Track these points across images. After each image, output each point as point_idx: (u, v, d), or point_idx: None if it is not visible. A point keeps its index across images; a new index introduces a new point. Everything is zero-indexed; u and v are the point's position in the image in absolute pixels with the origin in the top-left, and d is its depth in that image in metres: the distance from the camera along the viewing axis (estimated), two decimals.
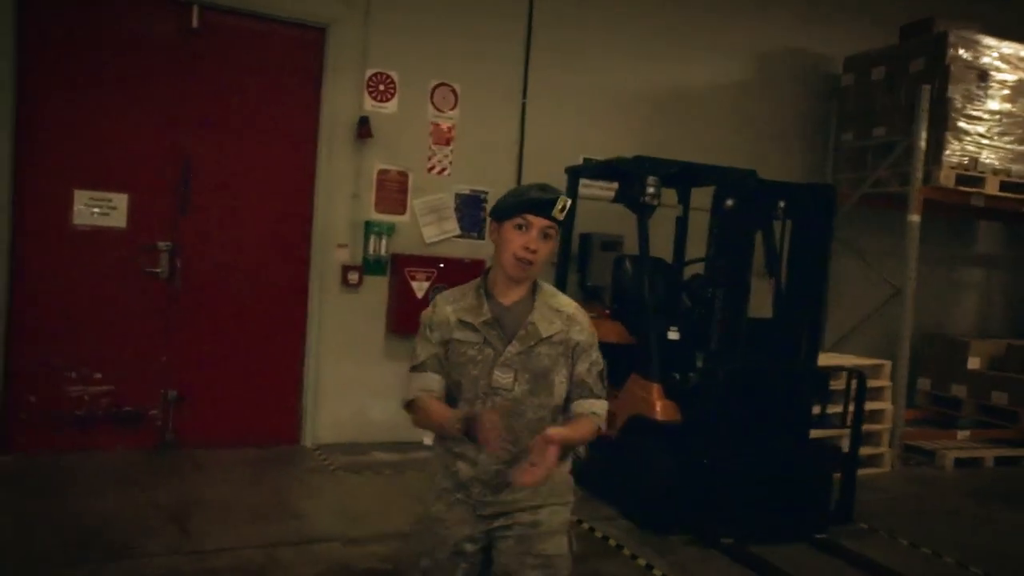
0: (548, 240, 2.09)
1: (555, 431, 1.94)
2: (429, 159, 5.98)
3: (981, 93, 6.29)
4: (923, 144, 6.13)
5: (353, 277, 5.77)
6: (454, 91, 6.02)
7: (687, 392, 4.48)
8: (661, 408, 4.51)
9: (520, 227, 2.07)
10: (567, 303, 2.22)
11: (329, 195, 5.72)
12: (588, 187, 6.08)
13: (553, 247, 2.14)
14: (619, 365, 4.70)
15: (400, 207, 5.92)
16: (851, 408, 4.54)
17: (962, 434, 6.77)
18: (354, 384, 5.86)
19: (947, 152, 6.17)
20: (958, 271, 8.32)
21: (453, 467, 2.19)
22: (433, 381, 2.14)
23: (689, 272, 5.44)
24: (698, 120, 6.75)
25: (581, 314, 2.22)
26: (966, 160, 6.25)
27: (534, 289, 2.19)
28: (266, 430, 5.63)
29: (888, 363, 6.29)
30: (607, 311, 5.42)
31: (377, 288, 5.89)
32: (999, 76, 6.36)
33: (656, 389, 4.54)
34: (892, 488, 5.71)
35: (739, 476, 4.24)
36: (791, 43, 7.19)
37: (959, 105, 6.20)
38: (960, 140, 6.22)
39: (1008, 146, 6.41)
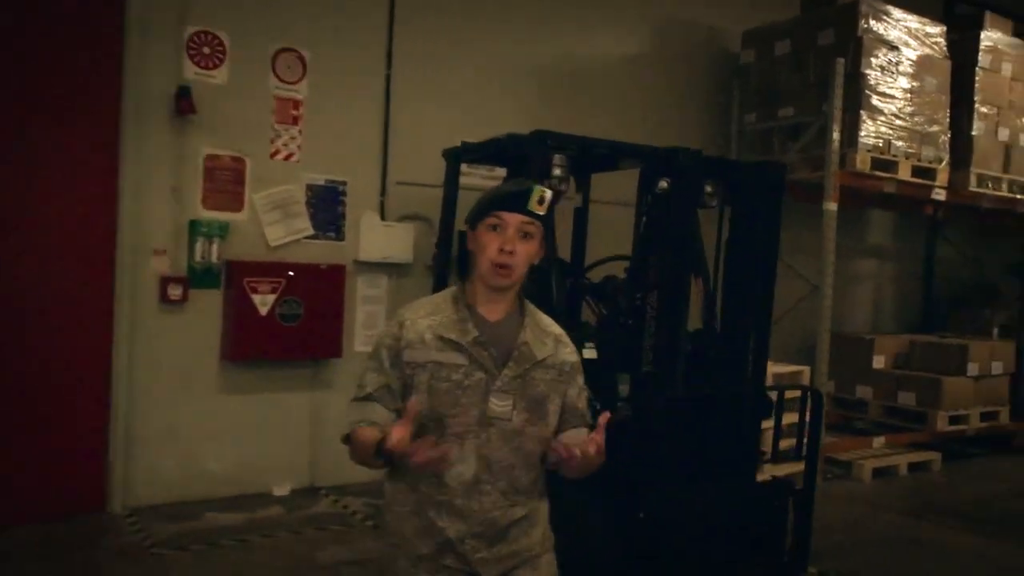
0: (529, 240, 1.83)
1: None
2: (272, 142, 4.79)
3: (893, 69, 5.75)
4: (838, 124, 5.51)
5: (175, 292, 4.51)
6: (302, 58, 4.86)
7: (612, 427, 3.56)
8: None
9: (494, 227, 1.83)
10: (551, 323, 1.99)
11: (139, 188, 4.44)
12: (468, 175, 5.05)
13: (535, 248, 1.85)
14: None
15: (236, 202, 4.70)
16: (778, 428, 3.77)
17: (877, 441, 6.25)
18: (180, 428, 4.61)
19: (862, 133, 5.58)
20: (851, 264, 7.89)
21: (435, 524, 1.83)
22: (377, 413, 1.83)
23: (597, 275, 4.54)
24: (588, 100, 5.88)
25: (565, 335, 1.99)
26: (881, 143, 5.69)
27: (521, 306, 1.93)
28: (60, 498, 4.26)
29: (806, 369, 5.67)
30: None
31: (208, 305, 4.65)
32: (906, 51, 5.85)
33: None
34: (822, 512, 5.02)
35: (681, 530, 3.37)
36: (685, 15, 6.46)
37: (873, 82, 5.63)
38: (875, 120, 5.65)
39: (918, 128, 5.91)
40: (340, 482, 4.98)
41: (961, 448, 6.82)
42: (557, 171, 3.68)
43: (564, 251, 4.73)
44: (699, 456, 3.57)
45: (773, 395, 3.72)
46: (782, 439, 3.72)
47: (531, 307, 1.94)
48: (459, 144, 4.72)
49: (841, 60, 5.50)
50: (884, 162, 5.73)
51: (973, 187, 6.34)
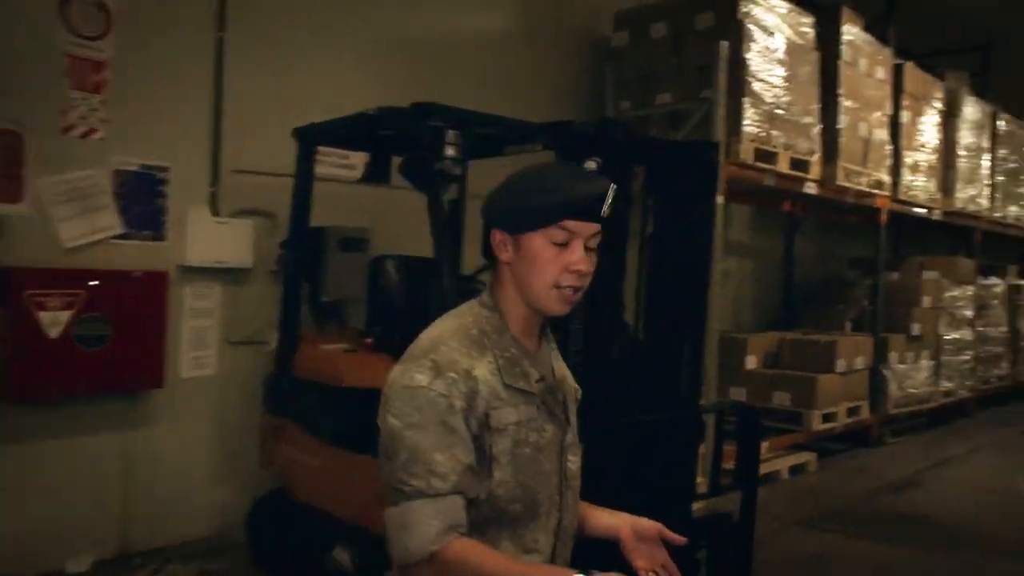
0: (593, 253, 1.40)
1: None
2: (65, 113, 3.72)
3: (771, 56, 5.47)
4: (723, 112, 5.14)
5: None
6: (104, 7, 3.81)
7: None
8: None
9: (558, 241, 1.36)
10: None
11: None
12: (318, 164, 4.21)
13: (596, 264, 1.40)
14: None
15: (11, 190, 3.59)
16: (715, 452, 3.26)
17: (763, 445, 5.98)
18: None
19: (745, 122, 5.25)
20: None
21: None
22: (461, 509, 1.29)
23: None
24: (451, 80, 5.14)
25: None
26: (763, 132, 5.39)
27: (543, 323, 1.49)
28: None
29: None
30: (366, 339, 3.67)
31: None
32: (781, 39, 5.60)
33: None
34: None
35: None
36: None
37: (754, 68, 5.31)
38: (757, 109, 5.34)
39: (794, 118, 5.68)
40: (161, 542, 4.00)
41: (829, 445, 6.73)
42: (451, 151, 2.97)
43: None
44: (630, 493, 2.97)
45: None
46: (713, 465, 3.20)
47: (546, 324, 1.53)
48: (313, 123, 3.87)
49: (725, 44, 5.13)
50: (765, 153, 5.44)
51: (841, 181, 6.24)
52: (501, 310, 1.42)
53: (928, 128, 7.62)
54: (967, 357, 8.58)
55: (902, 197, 7.19)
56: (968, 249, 8.91)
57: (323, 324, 4.41)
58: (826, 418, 6.46)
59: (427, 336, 1.40)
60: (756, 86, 5.32)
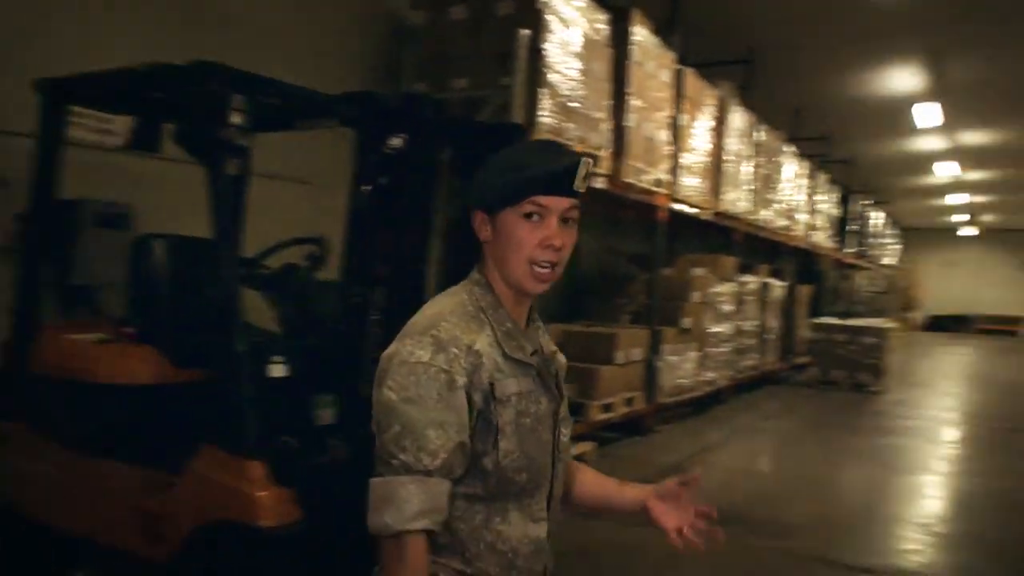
0: (571, 227, 1.41)
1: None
2: None
3: (568, 48, 5.48)
4: (522, 101, 5.07)
5: None
6: None
7: (313, 471, 2.63)
8: (268, 502, 2.55)
9: (531, 216, 1.37)
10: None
11: None
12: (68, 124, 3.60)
13: (575, 236, 1.41)
14: (165, 427, 2.82)
15: None
16: None
17: None
18: None
19: (542, 113, 5.22)
20: None
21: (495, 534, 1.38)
22: (445, 495, 1.31)
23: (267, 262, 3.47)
24: (230, 41, 4.66)
25: None
26: (558, 124, 5.39)
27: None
28: None
29: None
30: (127, 330, 3.19)
31: None
32: (577, 32, 5.63)
33: (255, 470, 2.57)
34: None
35: None
36: None
37: (551, 59, 5.29)
38: (553, 100, 5.33)
39: (587, 112, 5.74)
40: None
41: (605, 435, 6.96)
42: (237, 119, 2.60)
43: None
44: None
45: None
46: None
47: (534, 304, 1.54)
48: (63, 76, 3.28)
49: (526, 32, 5.06)
50: None
51: (628, 178, 6.43)
52: (494, 292, 1.44)
53: (702, 133, 8.10)
54: (726, 349, 9.27)
55: (679, 196, 7.58)
56: (730, 248, 9.63)
57: (71, 311, 3.81)
58: (605, 408, 6.66)
59: (425, 314, 1.40)
60: (553, 77, 5.30)
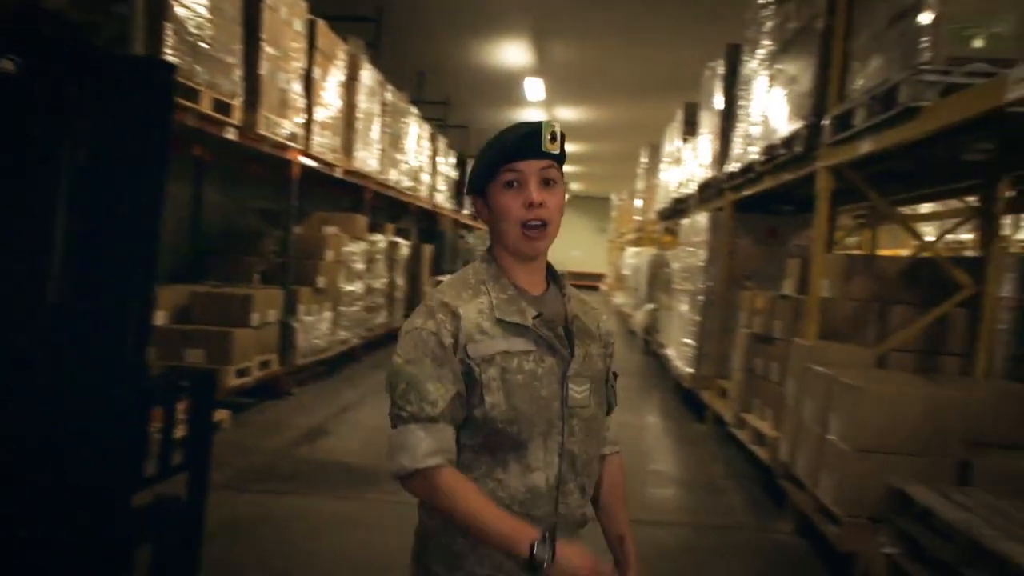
0: (554, 187, 1.55)
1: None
2: None
3: None
4: (142, 35, 4.47)
5: None
6: None
7: None
8: None
9: (511, 184, 1.53)
10: (576, 291, 1.68)
11: None
12: None
13: (563, 196, 1.56)
14: None
15: None
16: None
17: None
18: None
19: (168, 51, 4.65)
20: None
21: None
22: (451, 438, 1.50)
23: None
24: None
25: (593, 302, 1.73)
26: (186, 66, 4.86)
27: (553, 274, 1.66)
28: None
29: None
30: None
31: None
32: None
33: None
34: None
35: None
36: None
37: None
38: (181, 37, 4.78)
39: (218, 56, 5.27)
40: None
41: (240, 400, 6.61)
42: None
43: None
44: (56, 492, 2.35)
45: None
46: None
47: (559, 274, 1.67)
48: None
49: None
50: (188, 90, 4.93)
51: (262, 130, 6.06)
52: (499, 264, 1.59)
53: (334, 88, 7.93)
54: (358, 307, 9.32)
55: (312, 152, 7.36)
56: (360, 207, 9.65)
57: None
58: (240, 373, 6.30)
59: (432, 291, 1.59)
60: (180, 12, 4.76)
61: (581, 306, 1.66)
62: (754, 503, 5.11)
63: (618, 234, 23.02)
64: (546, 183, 1.53)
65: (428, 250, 13.51)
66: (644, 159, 15.68)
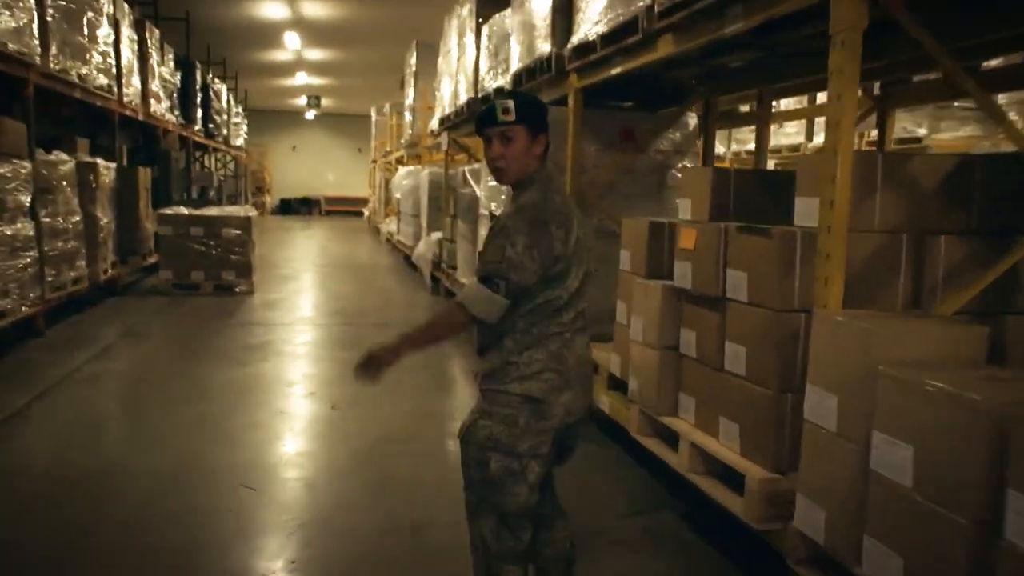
0: (511, 141, 2.22)
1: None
2: None
3: None
4: None
5: None
6: None
7: None
8: None
9: (488, 140, 2.26)
10: (530, 202, 2.21)
11: None
12: None
13: (523, 143, 2.22)
14: None
15: None
16: None
17: None
18: None
19: None
20: None
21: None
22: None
23: None
24: None
25: (516, 206, 2.23)
26: None
27: (518, 186, 2.29)
28: None
29: None
30: None
31: None
32: None
33: None
34: None
35: None
36: None
37: None
38: None
39: None
40: None
41: None
42: None
43: None
44: None
45: None
46: None
47: (532, 191, 2.23)
48: None
49: None
50: None
51: None
52: None
53: None
54: (28, 259, 6.28)
55: None
56: (11, 110, 6.43)
57: None
58: None
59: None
60: None
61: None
62: None
63: (381, 153, 20.39)
64: (507, 139, 2.22)
65: (145, 174, 10.32)
66: (412, 61, 13.04)
